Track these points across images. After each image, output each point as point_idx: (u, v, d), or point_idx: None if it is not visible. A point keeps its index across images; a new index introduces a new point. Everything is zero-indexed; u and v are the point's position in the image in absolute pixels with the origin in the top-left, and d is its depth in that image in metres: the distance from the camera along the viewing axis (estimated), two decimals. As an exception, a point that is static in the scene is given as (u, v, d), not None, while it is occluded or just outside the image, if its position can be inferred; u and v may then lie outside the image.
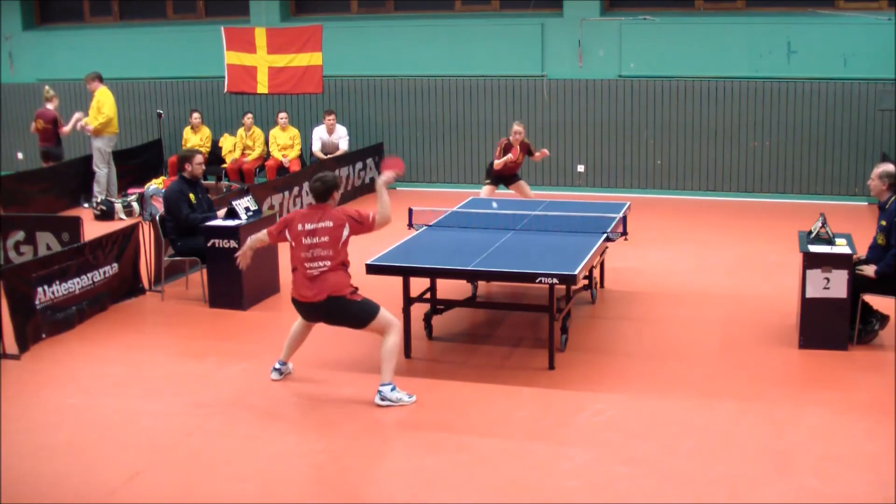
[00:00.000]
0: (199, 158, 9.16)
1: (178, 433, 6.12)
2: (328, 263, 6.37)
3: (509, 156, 10.73)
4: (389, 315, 6.54)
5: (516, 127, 10.87)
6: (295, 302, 6.60)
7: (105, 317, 8.61)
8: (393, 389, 6.44)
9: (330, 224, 6.40)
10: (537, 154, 11.12)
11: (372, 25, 14.93)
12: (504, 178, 11.05)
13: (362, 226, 6.45)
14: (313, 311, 6.53)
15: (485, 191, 10.96)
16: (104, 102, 13.52)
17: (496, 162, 10.78)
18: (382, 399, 6.41)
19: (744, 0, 13.66)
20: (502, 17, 14.58)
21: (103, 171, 13.65)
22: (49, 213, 12.21)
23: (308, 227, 6.43)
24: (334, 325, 6.65)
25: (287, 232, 6.52)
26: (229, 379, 7.06)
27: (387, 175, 6.63)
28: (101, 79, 13.74)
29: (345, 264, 6.49)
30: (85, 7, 16.60)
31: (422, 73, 14.71)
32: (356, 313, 6.45)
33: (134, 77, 15.91)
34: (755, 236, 11.30)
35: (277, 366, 6.97)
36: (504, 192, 11.23)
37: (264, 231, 6.83)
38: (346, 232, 6.41)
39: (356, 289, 6.51)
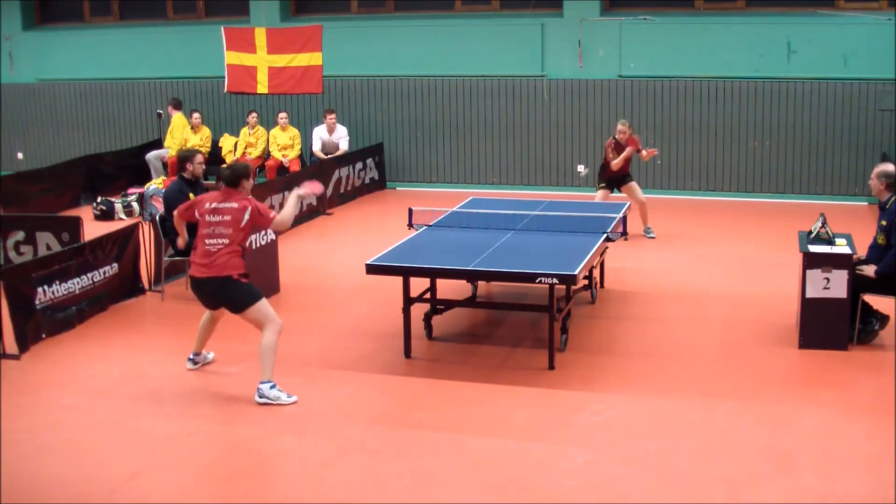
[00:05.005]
0: (199, 158, 9.16)
1: (177, 433, 6.12)
2: (226, 242, 6.61)
3: (629, 149, 10.70)
4: (270, 311, 6.68)
5: (620, 126, 10.78)
6: (191, 280, 6.86)
7: (105, 317, 8.61)
8: (272, 387, 6.55)
9: (234, 206, 6.67)
10: (644, 152, 11.05)
11: (372, 25, 14.93)
12: (616, 180, 10.96)
13: (262, 217, 6.71)
14: (202, 287, 6.74)
15: (599, 195, 10.91)
16: (174, 127, 14.62)
17: (614, 162, 10.69)
18: (261, 397, 6.53)
19: (744, 0, 13.67)
20: (502, 17, 14.57)
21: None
22: (49, 213, 12.20)
23: (213, 205, 6.73)
24: (218, 305, 6.82)
25: (196, 210, 6.81)
26: (229, 379, 7.05)
27: (304, 189, 6.96)
28: (176, 105, 14.76)
29: (242, 248, 6.71)
30: (85, 7, 16.59)
31: (422, 73, 14.71)
32: (237, 295, 6.61)
33: (134, 77, 15.93)
34: (755, 236, 11.30)
35: (191, 356, 7.25)
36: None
37: (174, 212, 7.31)
38: (247, 216, 6.64)
39: (246, 274, 6.67)
